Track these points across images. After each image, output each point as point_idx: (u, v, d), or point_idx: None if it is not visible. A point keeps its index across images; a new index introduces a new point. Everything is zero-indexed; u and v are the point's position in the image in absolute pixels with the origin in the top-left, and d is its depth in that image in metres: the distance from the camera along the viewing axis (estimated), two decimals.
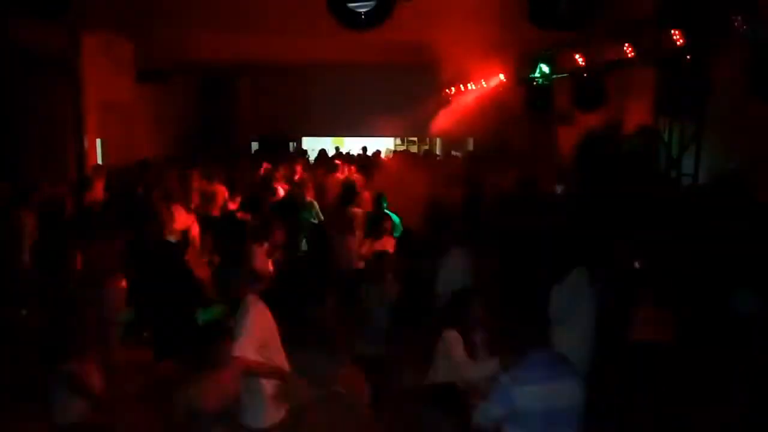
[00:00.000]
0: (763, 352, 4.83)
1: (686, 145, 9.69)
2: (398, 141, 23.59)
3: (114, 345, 6.22)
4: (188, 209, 8.44)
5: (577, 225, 7.88)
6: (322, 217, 10.03)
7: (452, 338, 4.66)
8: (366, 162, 15.70)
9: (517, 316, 3.91)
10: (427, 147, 22.98)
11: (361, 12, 6.36)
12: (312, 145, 20.94)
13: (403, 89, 17.75)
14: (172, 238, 6.75)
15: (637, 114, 10.27)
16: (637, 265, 6.43)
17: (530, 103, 13.13)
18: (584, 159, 10.44)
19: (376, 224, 8.06)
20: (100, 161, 12.92)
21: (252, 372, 4.25)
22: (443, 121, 18.65)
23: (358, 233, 8.61)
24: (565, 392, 3.52)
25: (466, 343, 4.62)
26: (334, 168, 13.18)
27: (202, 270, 6.91)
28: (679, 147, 9.86)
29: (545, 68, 12.59)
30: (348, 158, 17.20)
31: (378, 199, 9.06)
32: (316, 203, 10.18)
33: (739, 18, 7.06)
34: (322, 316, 6.67)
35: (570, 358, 5.37)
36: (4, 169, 10.54)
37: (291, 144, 21.66)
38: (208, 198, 9.17)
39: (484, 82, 15.44)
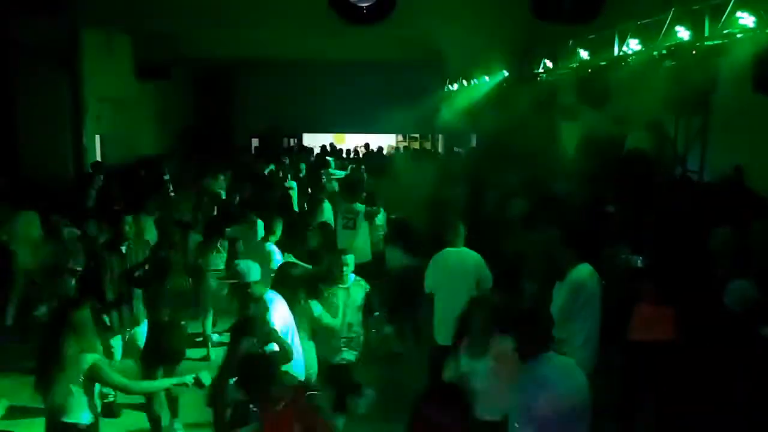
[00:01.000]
0: (763, 349, 4.76)
1: (691, 141, 9.61)
2: (400, 137, 23.52)
3: None
4: None
5: (582, 222, 7.83)
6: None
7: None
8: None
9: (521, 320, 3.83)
10: (428, 144, 22.93)
11: (362, 7, 6.29)
12: (313, 141, 20.88)
13: (405, 85, 17.68)
14: None
15: (642, 110, 10.16)
16: (639, 263, 6.35)
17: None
18: (588, 156, 10.36)
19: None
20: (99, 158, 12.88)
21: None
22: (445, 117, 18.56)
23: None
24: (576, 391, 3.54)
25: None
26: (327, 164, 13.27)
27: None
28: (684, 144, 9.77)
29: (549, 64, 12.47)
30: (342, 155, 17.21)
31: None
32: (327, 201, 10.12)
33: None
34: None
35: (573, 357, 5.34)
36: (4, 165, 10.50)
37: (291, 140, 21.64)
38: None
39: (486, 78, 15.32)
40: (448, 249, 6.26)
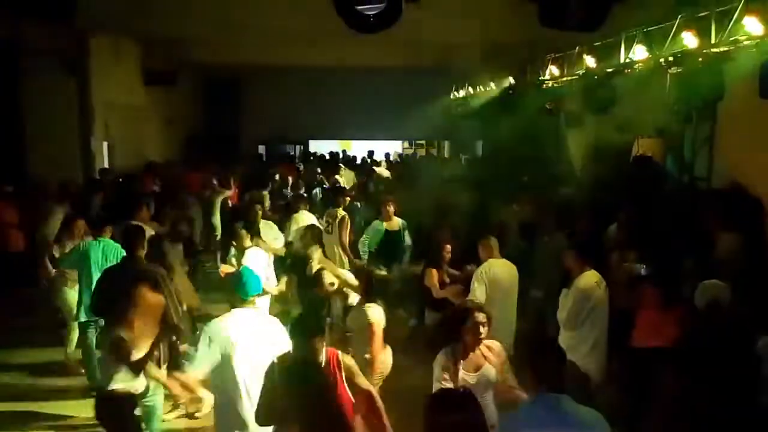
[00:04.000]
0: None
1: (698, 148, 9.57)
2: (406, 144, 23.51)
3: None
4: None
5: (590, 228, 7.81)
6: None
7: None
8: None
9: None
10: (434, 150, 22.90)
11: (369, 14, 6.28)
12: (319, 148, 20.89)
13: (411, 92, 17.68)
14: None
15: (648, 117, 10.14)
16: (643, 271, 6.35)
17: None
18: (595, 163, 10.33)
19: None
20: (106, 164, 12.91)
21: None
22: (452, 124, 18.55)
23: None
24: None
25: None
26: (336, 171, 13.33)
27: None
28: (691, 151, 9.74)
29: (555, 71, 12.45)
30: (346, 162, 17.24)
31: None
32: None
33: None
34: None
35: (580, 365, 5.34)
36: (12, 171, 10.54)
37: (296, 147, 21.68)
38: None
39: (493, 85, 15.32)
40: (492, 261, 6.22)
